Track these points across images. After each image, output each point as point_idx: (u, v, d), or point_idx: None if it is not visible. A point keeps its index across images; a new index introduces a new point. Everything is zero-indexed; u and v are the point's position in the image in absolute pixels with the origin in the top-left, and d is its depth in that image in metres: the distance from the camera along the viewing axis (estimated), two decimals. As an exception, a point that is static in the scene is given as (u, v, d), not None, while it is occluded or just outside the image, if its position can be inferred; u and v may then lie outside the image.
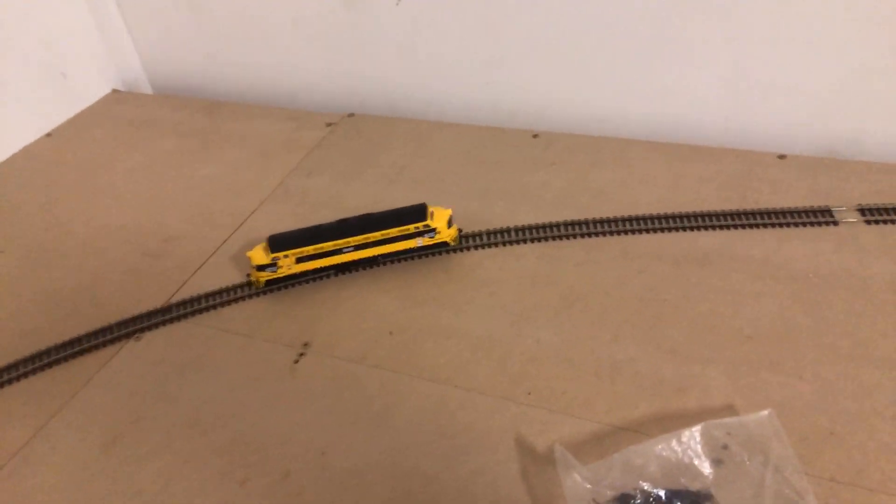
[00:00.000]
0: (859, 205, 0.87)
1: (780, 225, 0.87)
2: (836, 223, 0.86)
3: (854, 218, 0.86)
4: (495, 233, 0.92)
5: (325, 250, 0.86)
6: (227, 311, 0.87)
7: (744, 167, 0.97)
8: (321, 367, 0.78)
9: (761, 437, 0.62)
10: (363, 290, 0.87)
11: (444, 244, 0.88)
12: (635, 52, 1.03)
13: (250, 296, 0.88)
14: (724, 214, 0.89)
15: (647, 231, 0.89)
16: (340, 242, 0.86)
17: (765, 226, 0.87)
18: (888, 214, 0.85)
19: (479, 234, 0.92)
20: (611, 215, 0.91)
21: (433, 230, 0.87)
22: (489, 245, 0.90)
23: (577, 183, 0.99)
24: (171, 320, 0.86)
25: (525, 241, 0.90)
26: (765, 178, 0.94)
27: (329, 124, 1.21)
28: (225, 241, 0.98)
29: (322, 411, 0.73)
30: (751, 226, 0.87)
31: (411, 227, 0.86)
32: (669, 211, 0.90)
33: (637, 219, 0.90)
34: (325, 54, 1.25)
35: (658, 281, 0.82)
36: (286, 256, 0.85)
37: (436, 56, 1.16)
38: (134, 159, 1.20)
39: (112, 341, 0.84)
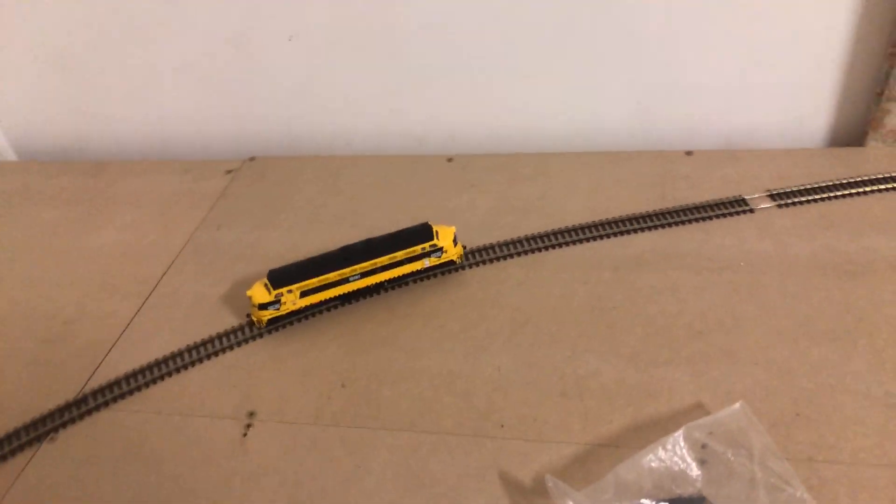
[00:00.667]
0: (768, 190, 0.92)
1: (703, 219, 0.90)
2: (752, 210, 0.90)
3: (767, 203, 0.91)
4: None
5: (330, 281, 0.81)
6: (155, 391, 0.78)
7: (657, 167, 1.00)
8: (273, 436, 0.71)
9: (738, 431, 0.62)
10: (304, 344, 0.81)
11: (451, 263, 0.86)
12: (539, 66, 1.04)
13: (179, 369, 0.80)
14: (651, 215, 0.91)
15: (581, 241, 0.89)
16: (346, 271, 0.81)
17: (689, 221, 0.90)
18: (795, 197, 0.91)
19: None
20: (541, 230, 0.91)
21: (440, 249, 0.84)
22: (427, 277, 0.87)
23: (501, 202, 0.99)
24: (89, 412, 0.76)
25: (462, 268, 0.88)
26: (678, 175, 0.98)
27: (229, 171, 1.14)
28: (137, 313, 0.89)
29: (283, 484, 0.67)
30: (677, 223, 0.90)
31: (418, 248, 0.83)
32: (597, 219, 0.91)
33: (569, 230, 0.90)
34: (215, 99, 1.18)
35: (602, 289, 0.82)
36: (290, 291, 0.80)
37: (335, 89, 1.12)
38: (10, 235, 1.07)
39: (22, 447, 0.74)
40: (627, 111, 1.06)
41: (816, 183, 0.92)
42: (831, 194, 0.90)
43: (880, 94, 0.95)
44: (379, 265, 0.82)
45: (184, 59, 1.14)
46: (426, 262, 0.84)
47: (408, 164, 1.09)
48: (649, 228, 0.90)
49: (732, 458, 0.61)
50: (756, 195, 0.92)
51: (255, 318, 0.82)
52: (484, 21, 1.01)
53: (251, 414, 0.74)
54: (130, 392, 0.78)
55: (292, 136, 1.19)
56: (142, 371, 0.80)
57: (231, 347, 0.82)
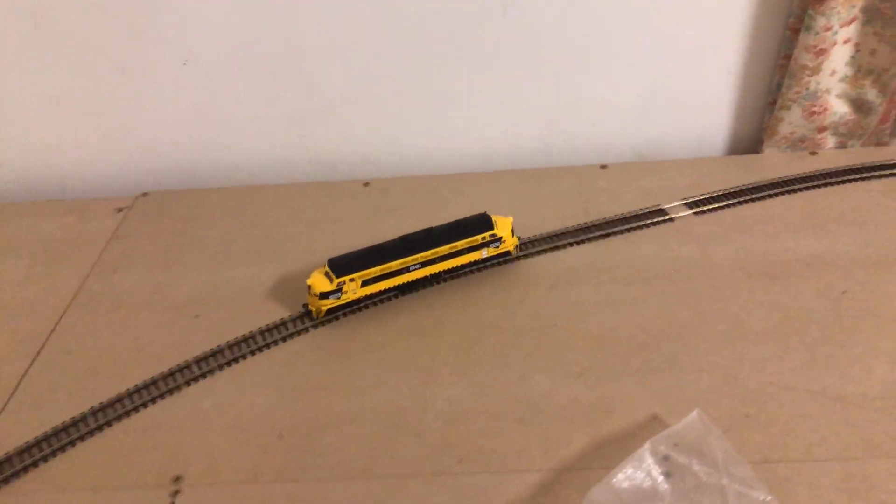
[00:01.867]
0: (684, 199, 0.95)
1: (627, 230, 0.91)
2: (672, 220, 0.92)
3: (684, 212, 0.93)
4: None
5: (391, 270, 0.80)
6: (56, 465, 0.67)
7: (575, 182, 1.01)
8: (206, 502, 0.63)
9: (699, 439, 0.62)
10: (229, 394, 0.73)
11: (507, 253, 0.86)
12: (451, 87, 1.03)
13: (83, 436, 0.70)
14: (578, 230, 0.91)
15: (514, 260, 0.88)
16: (408, 260, 0.80)
17: (615, 234, 0.91)
18: (709, 203, 0.94)
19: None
20: (472, 251, 0.89)
21: (499, 239, 0.84)
22: (360, 309, 0.82)
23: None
24: (-25, 498, 0.65)
25: (397, 296, 0.84)
26: (597, 188, 0.99)
27: (120, 209, 1.03)
28: (24, 376, 0.77)
29: (226, 556, 0.59)
30: (603, 236, 0.90)
31: (478, 238, 0.83)
32: (527, 236, 0.90)
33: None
34: (101, 130, 1.07)
35: (541, 307, 0.81)
36: (352, 280, 0.78)
37: (236, 116, 1.05)
38: None
39: None
40: (540, 128, 1.07)
41: (725, 189, 0.96)
42: (740, 199, 0.94)
43: (772, 103, 1.01)
44: (440, 254, 0.81)
45: (61, 88, 1.02)
46: (484, 253, 0.84)
47: (322, 190, 1.03)
48: (578, 243, 0.90)
49: (698, 469, 0.60)
50: (673, 204, 0.95)
51: (313, 308, 0.80)
52: (392, 42, 0.98)
53: (177, 479, 0.65)
54: (25, 469, 0.67)
55: (189, 168, 1.10)
56: (37, 443, 0.69)
57: (146, 405, 0.73)
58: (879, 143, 1.03)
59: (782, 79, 0.97)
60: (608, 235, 0.91)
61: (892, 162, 0.98)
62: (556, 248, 0.89)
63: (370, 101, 1.03)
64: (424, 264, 0.81)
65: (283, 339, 0.79)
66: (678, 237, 0.89)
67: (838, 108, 0.99)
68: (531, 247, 0.88)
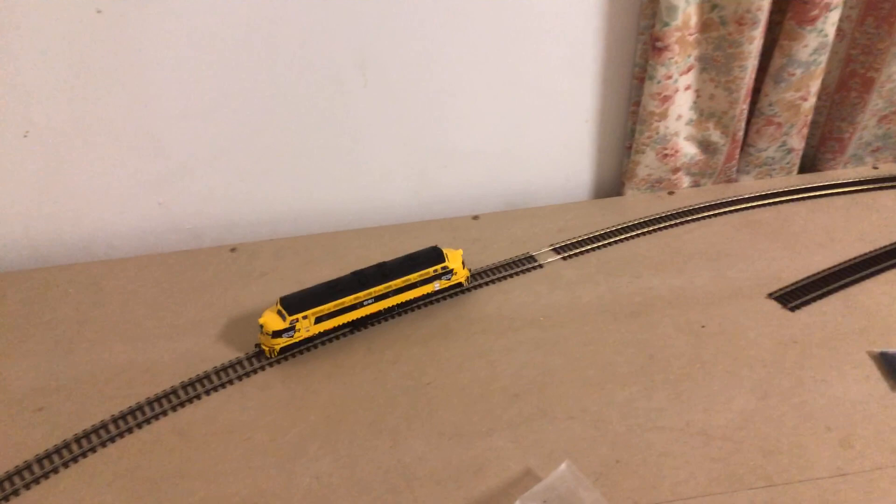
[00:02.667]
0: (552, 245, 0.97)
1: (499, 279, 0.91)
2: (541, 266, 0.94)
3: (552, 257, 0.95)
4: (227, 368, 0.79)
5: (345, 305, 0.80)
6: None
7: (448, 234, 1.01)
8: None
9: (568, 492, 0.62)
10: (76, 493, 0.66)
11: (459, 285, 0.88)
12: (316, 146, 1.01)
13: None
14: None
15: (388, 318, 0.86)
16: (361, 295, 0.81)
17: (487, 284, 0.91)
18: (575, 248, 0.96)
19: (208, 376, 0.78)
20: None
21: (451, 271, 0.86)
22: (223, 385, 0.77)
23: (296, 287, 0.91)
24: None
25: (263, 368, 0.80)
26: (469, 239, 0.99)
27: (-45, 294, 0.94)
28: None
29: None
30: (476, 287, 0.90)
31: (430, 271, 0.84)
32: (399, 293, 0.89)
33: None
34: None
35: (414, 366, 0.79)
36: (305, 317, 0.78)
37: (87, 185, 0.98)
38: None
39: None
40: (411, 183, 1.07)
41: (591, 233, 0.99)
42: (605, 241, 0.97)
43: (629, 147, 1.06)
44: (393, 288, 0.82)
45: None
46: (436, 285, 0.85)
47: (185, 259, 0.98)
48: (451, 296, 0.89)
49: (569, 522, 0.59)
50: (542, 250, 0.96)
51: (265, 347, 0.79)
52: (250, 103, 0.96)
53: None
54: None
55: (33, 245, 1.02)
56: None
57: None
58: (729, 180, 1.10)
59: (635, 125, 1.02)
60: (480, 286, 0.90)
61: (741, 197, 1.05)
62: (430, 303, 0.88)
63: (231, 162, 1.00)
64: (378, 298, 0.82)
65: (139, 425, 0.73)
66: (548, 283, 0.91)
67: (688, 149, 1.04)
68: (402, 304, 0.87)
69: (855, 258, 0.91)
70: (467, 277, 0.89)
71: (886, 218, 0.99)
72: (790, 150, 1.06)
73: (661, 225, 1.00)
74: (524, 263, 0.94)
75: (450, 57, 0.97)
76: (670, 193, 1.08)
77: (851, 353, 0.77)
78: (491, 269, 0.93)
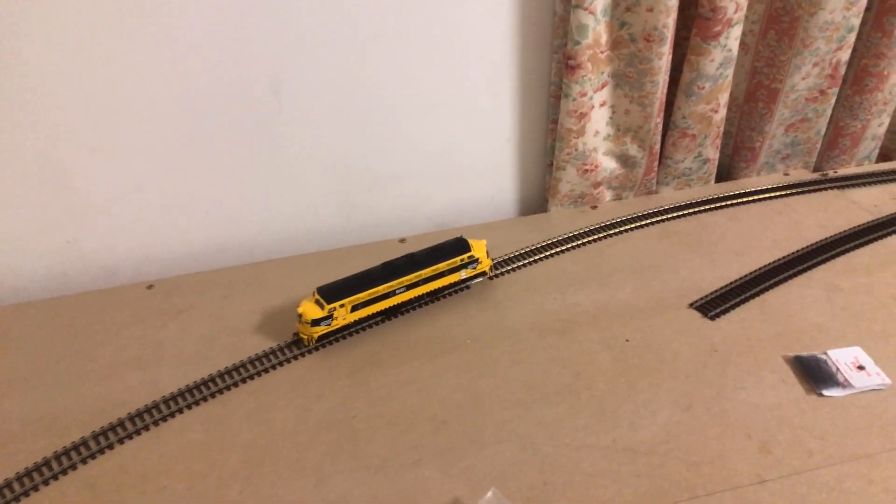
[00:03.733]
0: (480, 264, 0.97)
1: (427, 302, 0.91)
2: (468, 287, 0.93)
3: (480, 277, 0.94)
4: (143, 413, 0.75)
5: (378, 294, 0.84)
6: None
7: (375, 259, 0.98)
8: None
9: (496, 520, 0.61)
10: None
11: (483, 274, 0.92)
12: (234, 176, 0.99)
13: None
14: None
15: (311, 351, 0.84)
16: (393, 284, 0.85)
17: (415, 308, 0.90)
18: (503, 266, 0.96)
19: (122, 424, 0.74)
20: (265, 348, 0.84)
21: (476, 260, 0.89)
22: (139, 431, 0.74)
23: (216, 323, 0.89)
24: None
25: (181, 411, 0.76)
26: (396, 263, 0.98)
27: None
28: None
29: None
30: (404, 312, 0.89)
31: (457, 260, 0.88)
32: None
33: (296, 342, 0.84)
34: None
35: (340, 399, 0.77)
36: (342, 306, 0.82)
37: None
38: None
39: None
40: (337, 208, 1.05)
41: (517, 251, 0.99)
42: (531, 259, 0.98)
43: (550, 164, 1.07)
44: (423, 276, 0.86)
45: None
46: (463, 274, 0.89)
47: (97, 299, 0.94)
48: (377, 324, 0.87)
49: (497, 552, 0.59)
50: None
51: (304, 336, 0.82)
52: (161, 134, 0.93)
53: None
54: None
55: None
56: None
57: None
58: (649, 193, 1.12)
59: (554, 142, 1.03)
60: (408, 311, 0.89)
61: (662, 208, 1.07)
62: (357, 331, 0.86)
63: (145, 195, 0.96)
64: (409, 287, 0.85)
65: (46, 482, 0.69)
66: (476, 304, 0.90)
67: (607, 164, 1.06)
68: (327, 335, 0.85)
69: (770, 264, 0.94)
70: (490, 266, 0.93)
71: (798, 222, 1.03)
72: (706, 161, 1.09)
73: (585, 240, 1.01)
74: (452, 285, 0.93)
75: (369, 81, 0.96)
76: (593, 208, 1.09)
77: (769, 358, 0.79)
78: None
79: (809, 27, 0.99)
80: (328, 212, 1.05)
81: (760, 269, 0.93)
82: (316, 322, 0.81)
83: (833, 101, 1.08)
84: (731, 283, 0.91)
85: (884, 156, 1.23)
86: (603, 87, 0.99)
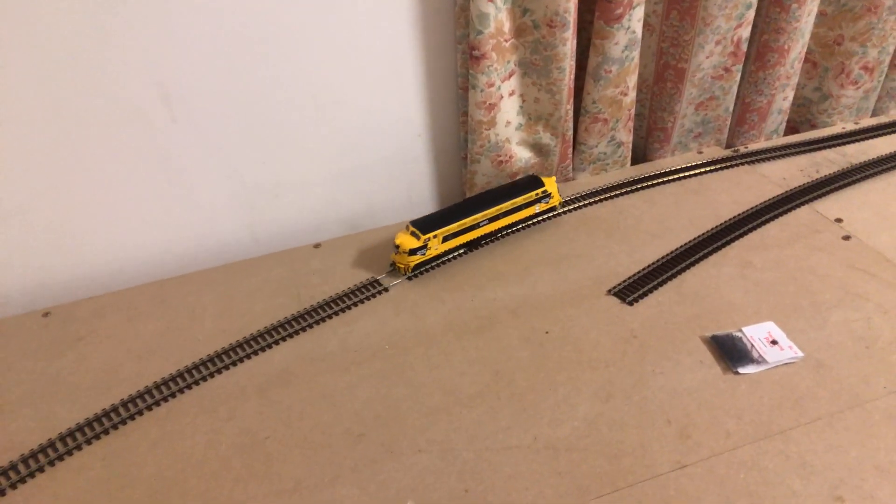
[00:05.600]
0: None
1: (343, 310, 0.87)
2: (386, 289, 0.90)
3: (397, 279, 0.92)
4: (36, 454, 0.70)
5: (465, 226, 0.92)
6: None
7: (287, 268, 0.95)
8: None
9: (414, 535, 0.58)
10: None
11: (554, 209, 1.00)
12: (131, 193, 0.93)
13: None
14: (290, 321, 0.85)
15: (219, 371, 0.79)
16: (479, 216, 0.93)
17: (330, 316, 0.86)
18: (419, 267, 0.93)
19: (14, 467, 0.69)
20: (171, 372, 0.79)
21: (549, 195, 0.98)
22: (32, 474, 0.68)
23: (117, 350, 0.84)
24: None
25: (80, 447, 0.71)
26: (310, 270, 0.95)
27: None
28: None
29: None
30: (318, 322, 0.86)
31: (532, 194, 0.96)
32: (233, 340, 0.83)
33: (204, 363, 0.80)
34: None
35: (251, 420, 0.73)
36: (435, 237, 0.90)
37: None
38: None
39: None
40: (243, 219, 1.00)
41: (436, 248, 0.97)
42: (449, 256, 0.95)
43: (464, 157, 1.04)
44: (504, 210, 0.94)
45: None
46: (537, 208, 0.98)
47: (-12, 333, 0.87)
48: (290, 336, 0.84)
49: (415, 570, 0.56)
50: (385, 273, 0.93)
51: (400, 265, 0.91)
52: (47, 150, 0.86)
53: None
54: None
55: None
56: None
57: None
58: (566, 179, 1.12)
59: (467, 135, 1.01)
60: (322, 320, 0.86)
61: (579, 194, 1.06)
62: (266, 346, 0.82)
63: (33, 216, 0.90)
64: (491, 220, 0.94)
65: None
66: (393, 307, 0.87)
67: (521, 154, 1.05)
68: (235, 354, 0.81)
69: (686, 244, 0.95)
70: (561, 202, 1.01)
71: (712, 200, 1.04)
72: (620, 144, 1.09)
73: (503, 233, 0.99)
74: (369, 289, 0.90)
75: (263, 85, 0.92)
76: (512, 198, 1.08)
77: (686, 340, 0.79)
78: (334, 301, 0.88)
79: (709, 5, 0.99)
80: (233, 223, 1.00)
81: (677, 249, 0.94)
82: (413, 252, 0.88)
83: (738, 77, 1.09)
84: (648, 267, 0.91)
85: (791, 128, 1.26)
86: (510, 76, 0.97)
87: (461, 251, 0.95)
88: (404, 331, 0.84)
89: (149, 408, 0.75)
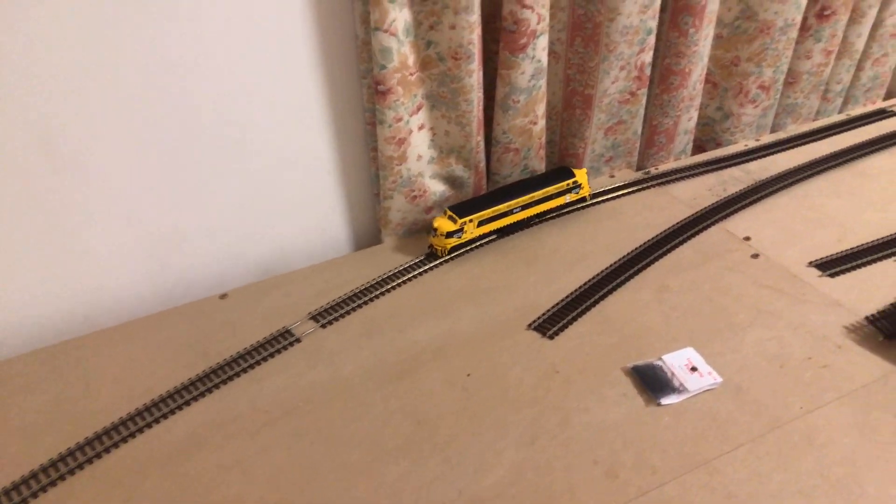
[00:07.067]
0: (310, 313, 0.89)
1: (252, 366, 0.82)
2: (299, 340, 0.86)
3: (311, 327, 0.87)
4: None
5: (499, 212, 0.97)
6: None
7: (192, 322, 0.89)
8: None
9: None
10: None
11: (584, 199, 1.06)
12: (12, 247, 0.85)
13: None
14: (195, 382, 0.79)
15: (117, 445, 0.72)
16: (512, 203, 0.98)
17: (238, 374, 0.81)
18: (335, 312, 0.89)
19: None
20: (61, 451, 0.72)
21: (579, 185, 1.03)
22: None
23: (12, 427, 0.76)
24: None
25: (497, 238, 0.69)
26: (217, 323, 0.89)
27: None
28: None
29: None
30: (226, 380, 0.80)
31: (563, 185, 1.01)
32: (135, 408, 0.76)
33: (98, 437, 0.73)
34: None
35: (152, 500, 0.67)
36: (471, 221, 0.95)
37: None
38: None
39: None
40: (139, 270, 0.93)
41: (352, 290, 0.93)
42: (366, 298, 0.92)
43: (377, 194, 1.01)
44: (536, 198, 1.00)
45: None
46: (567, 198, 1.03)
47: None
48: (195, 399, 0.78)
49: None
50: (299, 322, 0.88)
51: (438, 247, 0.97)
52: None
53: None
54: None
55: None
56: None
57: None
58: (483, 210, 1.10)
59: (378, 171, 0.98)
60: (231, 378, 0.80)
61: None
62: (169, 413, 0.76)
63: None
64: (524, 207, 0.99)
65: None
66: (307, 359, 0.83)
67: (435, 187, 1.02)
68: (134, 424, 0.74)
69: (603, 271, 0.94)
70: (590, 193, 1.06)
71: (627, 223, 1.04)
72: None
73: (421, 269, 0.97)
74: (280, 340, 0.85)
75: (159, 129, 0.86)
76: (428, 234, 1.05)
77: (608, 372, 0.78)
78: (242, 357, 0.83)
79: (611, 32, 1.00)
80: (132, 277, 0.93)
81: (595, 277, 0.93)
82: (450, 234, 0.94)
83: (644, 101, 1.11)
84: (567, 297, 0.90)
85: (698, 147, 1.29)
86: (419, 109, 0.95)
87: (495, 237, 1.01)
88: (321, 384, 0.79)
89: (34, 495, 0.68)
